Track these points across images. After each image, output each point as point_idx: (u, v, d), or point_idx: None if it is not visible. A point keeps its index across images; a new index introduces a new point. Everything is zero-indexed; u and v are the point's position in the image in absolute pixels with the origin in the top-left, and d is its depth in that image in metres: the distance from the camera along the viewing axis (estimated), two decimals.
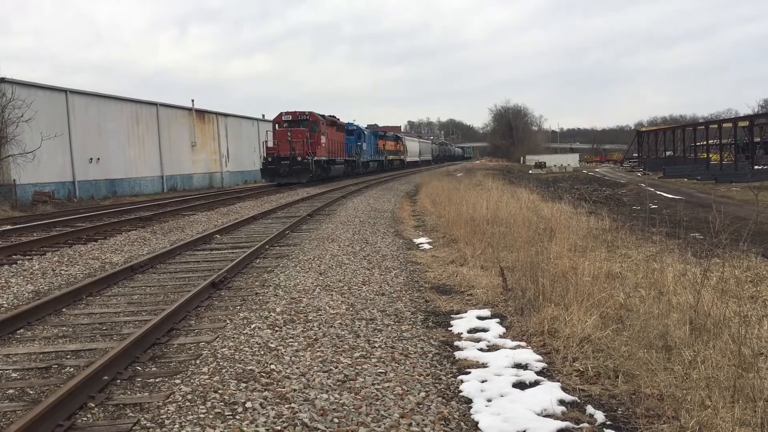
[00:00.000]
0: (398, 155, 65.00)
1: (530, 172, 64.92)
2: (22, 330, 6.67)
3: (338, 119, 41.73)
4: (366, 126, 60.81)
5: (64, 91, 28.36)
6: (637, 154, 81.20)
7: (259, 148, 43.36)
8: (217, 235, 13.71)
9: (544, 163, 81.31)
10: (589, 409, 4.40)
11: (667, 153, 66.98)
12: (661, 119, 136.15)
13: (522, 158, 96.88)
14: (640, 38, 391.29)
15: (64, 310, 7.51)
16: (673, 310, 5.90)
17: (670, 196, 30.63)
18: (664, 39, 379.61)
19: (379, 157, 55.44)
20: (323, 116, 37.11)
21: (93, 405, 4.59)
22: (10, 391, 4.97)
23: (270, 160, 33.52)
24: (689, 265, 7.93)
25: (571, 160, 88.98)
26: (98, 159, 30.02)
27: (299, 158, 32.71)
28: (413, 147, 76.86)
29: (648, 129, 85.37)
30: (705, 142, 56.84)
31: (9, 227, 15.57)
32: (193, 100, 42.22)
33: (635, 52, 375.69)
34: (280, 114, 35.42)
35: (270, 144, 34.56)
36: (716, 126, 54.86)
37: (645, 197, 28.57)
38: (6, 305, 7.82)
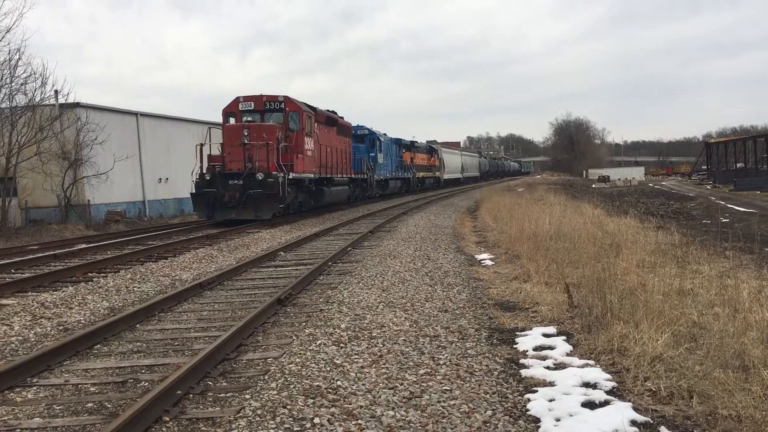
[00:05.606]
0: (432, 171, 53.82)
1: (593, 186, 63.73)
2: (99, 345, 6.94)
3: (340, 117, 28.29)
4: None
5: (135, 114, 29.45)
6: (706, 167, 78.72)
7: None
8: (281, 252, 13.95)
9: (608, 176, 79.72)
10: (663, 430, 4.28)
11: (738, 165, 64.65)
12: (731, 130, 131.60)
13: (584, 172, 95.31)
14: (706, 47, 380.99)
15: (138, 326, 7.78)
16: (749, 329, 5.70)
17: (742, 209, 29.51)
18: (731, 47, 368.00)
19: (405, 174, 43.24)
20: (313, 108, 23.73)
21: (168, 419, 4.73)
22: (89, 404, 5.17)
23: (208, 178, 19.81)
24: (765, 281, 7.63)
25: (636, 174, 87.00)
26: (167, 179, 31.00)
27: (260, 175, 19.31)
28: (453, 161, 64.43)
29: (717, 140, 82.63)
30: None
31: (84, 246, 16.25)
32: None
33: (701, 61, 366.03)
34: (236, 100, 21.73)
35: (213, 150, 21.09)
36: None
37: (716, 211, 27.61)
38: (83, 321, 8.15)
